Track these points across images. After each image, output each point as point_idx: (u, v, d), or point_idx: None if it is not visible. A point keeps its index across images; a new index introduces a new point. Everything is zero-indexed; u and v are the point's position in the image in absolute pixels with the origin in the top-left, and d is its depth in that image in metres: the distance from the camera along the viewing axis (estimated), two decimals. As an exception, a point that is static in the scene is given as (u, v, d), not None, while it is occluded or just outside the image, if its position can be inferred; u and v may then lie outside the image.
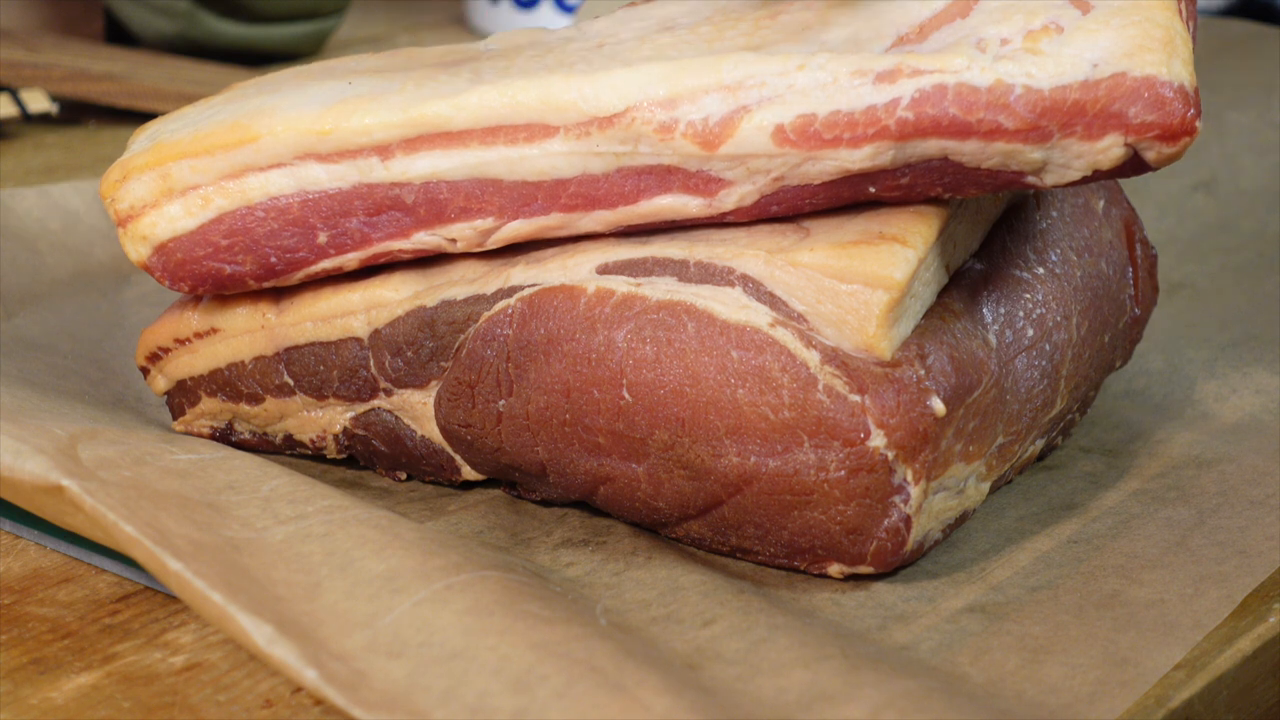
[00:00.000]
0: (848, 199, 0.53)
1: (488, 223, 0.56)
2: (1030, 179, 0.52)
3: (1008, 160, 0.51)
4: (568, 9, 1.12)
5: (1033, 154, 0.51)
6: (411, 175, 0.55)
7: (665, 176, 0.54)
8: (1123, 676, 0.49)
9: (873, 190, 0.53)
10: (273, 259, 0.57)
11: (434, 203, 0.56)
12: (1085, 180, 0.51)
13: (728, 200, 0.53)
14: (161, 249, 0.58)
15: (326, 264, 0.57)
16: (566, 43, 0.57)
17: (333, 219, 0.57)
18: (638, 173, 0.54)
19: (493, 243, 0.56)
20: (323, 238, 0.57)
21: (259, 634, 0.47)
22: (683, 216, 0.54)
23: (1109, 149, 0.50)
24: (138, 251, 0.58)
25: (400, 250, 0.57)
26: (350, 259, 0.57)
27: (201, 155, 0.57)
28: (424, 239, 0.56)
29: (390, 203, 0.56)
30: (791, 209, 0.54)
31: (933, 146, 0.51)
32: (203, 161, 0.57)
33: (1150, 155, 0.50)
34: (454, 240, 0.56)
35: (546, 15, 1.13)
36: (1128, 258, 0.61)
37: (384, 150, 0.55)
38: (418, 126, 0.55)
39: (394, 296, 0.57)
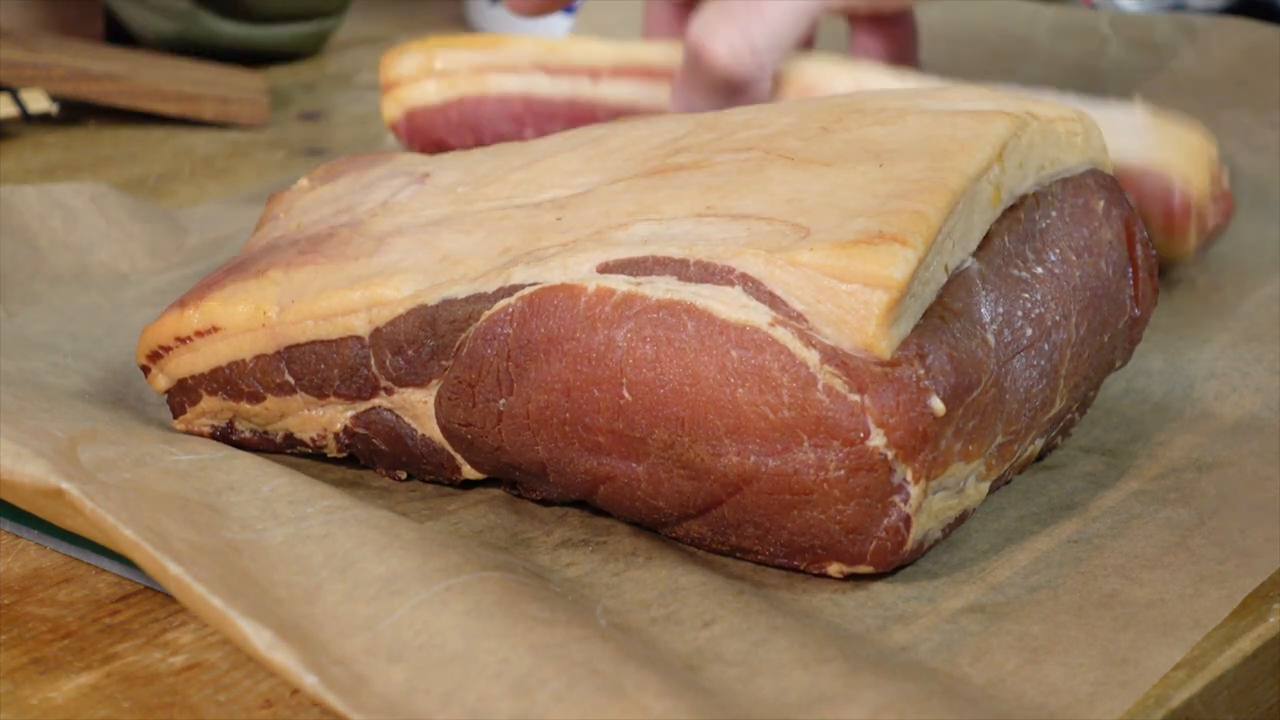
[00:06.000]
0: None
1: None
2: None
3: None
4: (568, 9, 1.12)
5: None
6: (610, 99, 0.76)
7: None
8: (1123, 676, 0.49)
9: None
10: (486, 140, 0.77)
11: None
12: None
13: None
14: (411, 114, 0.79)
15: None
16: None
17: (540, 122, 0.76)
18: None
19: None
20: (529, 134, 0.77)
21: (259, 639, 0.47)
22: None
23: None
24: (392, 113, 0.79)
25: None
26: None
27: (461, 50, 0.79)
28: None
29: (587, 119, 0.74)
30: None
31: None
32: (461, 55, 0.79)
33: None
34: None
35: (546, 15, 1.12)
36: (1128, 258, 0.61)
37: (595, 73, 0.76)
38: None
39: (395, 295, 0.57)
